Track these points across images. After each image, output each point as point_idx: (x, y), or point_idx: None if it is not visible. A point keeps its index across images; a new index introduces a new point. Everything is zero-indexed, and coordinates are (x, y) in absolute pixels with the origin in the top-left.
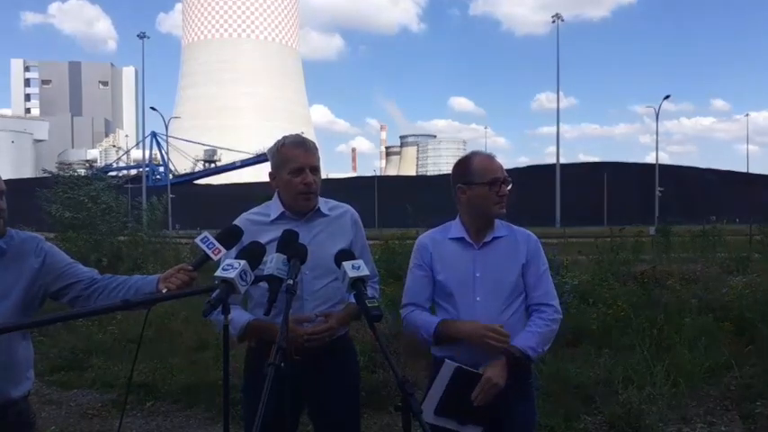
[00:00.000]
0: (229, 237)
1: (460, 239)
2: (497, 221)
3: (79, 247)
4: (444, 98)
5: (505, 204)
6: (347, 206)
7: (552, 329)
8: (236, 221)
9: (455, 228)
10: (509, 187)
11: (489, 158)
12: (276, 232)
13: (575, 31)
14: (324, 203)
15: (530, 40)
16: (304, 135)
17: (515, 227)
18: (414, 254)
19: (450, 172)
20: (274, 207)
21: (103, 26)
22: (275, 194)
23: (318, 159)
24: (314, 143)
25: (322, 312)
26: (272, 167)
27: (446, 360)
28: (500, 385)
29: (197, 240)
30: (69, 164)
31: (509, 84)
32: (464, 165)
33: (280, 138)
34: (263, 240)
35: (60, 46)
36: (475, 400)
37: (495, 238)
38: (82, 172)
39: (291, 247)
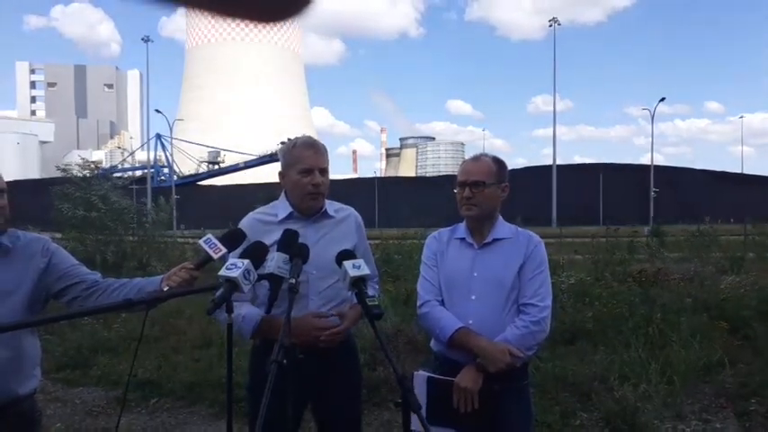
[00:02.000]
0: (232, 239)
1: (463, 239)
2: (502, 223)
3: (86, 246)
4: (442, 101)
5: (473, 207)
6: (351, 209)
7: (533, 331)
8: (244, 220)
9: (461, 228)
10: (488, 189)
11: (471, 161)
12: None
13: (570, 35)
14: (329, 205)
15: (525, 45)
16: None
17: (521, 229)
18: (424, 251)
19: (448, 173)
20: (282, 207)
21: (106, 30)
22: (282, 195)
23: (327, 162)
24: (324, 146)
25: (335, 312)
26: (282, 167)
27: (414, 373)
28: (472, 389)
29: (200, 241)
30: (87, 161)
31: (506, 87)
32: (460, 167)
33: (288, 139)
34: (270, 240)
35: (63, 49)
36: (458, 407)
37: (496, 240)
38: (86, 174)
39: (293, 246)
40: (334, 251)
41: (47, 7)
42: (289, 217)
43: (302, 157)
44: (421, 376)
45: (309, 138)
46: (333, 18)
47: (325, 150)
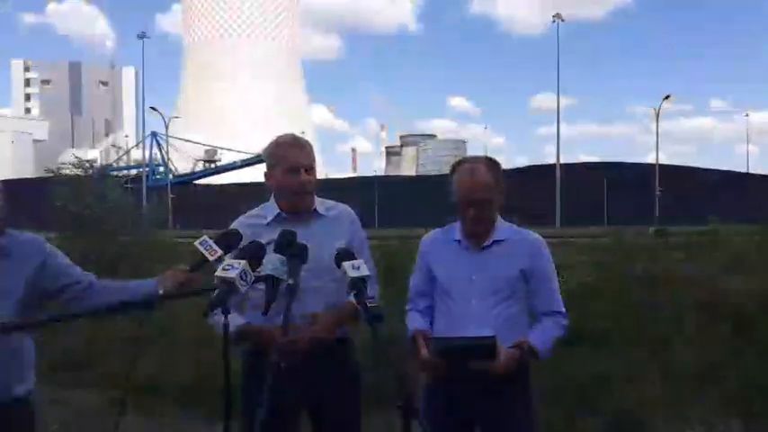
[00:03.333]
0: (228, 240)
1: (459, 242)
2: (501, 224)
3: (81, 245)
4: (443, 98)
5: (480, 223)
6: (344, 205)
7: (558, 336)
8: (234, 225)
9: (456, 229)
10: (493, 203)
11: (468, 177)
12: (273, 234)
13: (573, 31)
14: (320, 203)
15: (527, 40)
16: (304, 135)
17: (524, 230)
18: (418, 254)
19: (449, 172)
20: (270, 208)
21: (101, 26)
22: (271, 196)
23: (313, 158)
24: (309, 142)
25: (310, 313)
26: (267, 167)
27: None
28: (498, 371)
29: (196, 243)
30: (82, 160)
31: (507, 84)
32: (450, 175)
33: (275, 137)
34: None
35: (58, 46)
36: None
37: (495, 242)
38: (80, 173)
39: (291, 247)
40: (325, 250)
41: (41, 4)
42: (277, 218)
43: (287, 156)
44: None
45: (293, 135)
46: (330, 12)
47: (311, 148)
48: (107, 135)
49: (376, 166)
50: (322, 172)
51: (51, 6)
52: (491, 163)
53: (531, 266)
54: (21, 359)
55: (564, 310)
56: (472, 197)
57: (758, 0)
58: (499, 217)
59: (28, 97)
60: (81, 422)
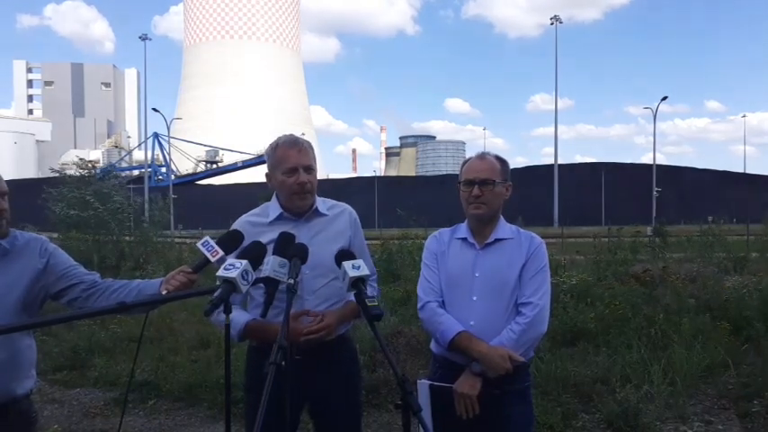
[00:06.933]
0: (230, 241)
1: (464, 239)
2: (503, 223)
3: (86, 246)
4: (441, 100)
5: (482, 205)
6: (345, 205)
7: (527, 332)
8: (236, 224)
9: (462, 228)
10: (496, 188)
11: (477, 160)
12: (275, 233)
13: (568, 33)
14: (322, 203)
15: (522, 43)
16: (305, 136)
17: (522, 230)
18: (424, 251)
19: (449, 172)
20: (273, 208)
21: (100, 28)
22: (273, 195)
23: (313, 159)
24: (309, 143)
25: (319, 312)
26: (268, 168)
27: (418, 381)
28: (471, 395)
29: (198, 244)
30: (83, 160)
31: (504, 85)
32: (462, 165)
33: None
34: (262, 242)
35: (60, 48)
36: (461, 415)
37: (497, 240)
38: (83, 173)
39: (291, 247)
40: (327, 250)
41: (39, 6)
42: (279, 218)
43: (286, 157)
44: (423, 385)
45: (291, 136)
46: (328, 15)
47: (311, 148)
48: (109, 136)
49: (375, 167)
50: (323, 172)
51: (49, 7)
52: (500, 157)
53: (526, 261)
54: (22, 359)
55: (538, 300)
56: (477, 176)
57: (752, 2)
58: (502, 217)
59: (30, 98)
60: (81, 422)
